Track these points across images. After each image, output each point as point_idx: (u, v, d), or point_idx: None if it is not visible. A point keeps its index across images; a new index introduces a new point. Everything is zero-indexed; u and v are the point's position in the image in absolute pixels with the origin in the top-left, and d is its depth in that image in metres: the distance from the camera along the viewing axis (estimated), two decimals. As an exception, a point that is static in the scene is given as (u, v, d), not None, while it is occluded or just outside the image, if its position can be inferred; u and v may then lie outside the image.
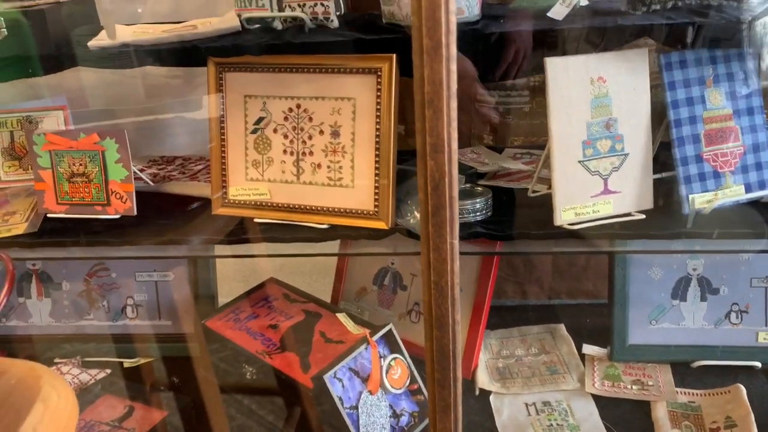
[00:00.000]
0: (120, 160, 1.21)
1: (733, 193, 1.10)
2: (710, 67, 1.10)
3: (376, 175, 1.09)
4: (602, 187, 1.09)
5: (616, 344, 1.40)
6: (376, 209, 1.10)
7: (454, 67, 0.60)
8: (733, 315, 1.37)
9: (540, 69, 1.27)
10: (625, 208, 1.10)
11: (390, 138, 1.07)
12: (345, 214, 1.12)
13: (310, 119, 1.12)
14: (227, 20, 1.18)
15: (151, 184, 1.35)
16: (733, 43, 1.11)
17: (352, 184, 1.11)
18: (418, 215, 1.11)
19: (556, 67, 1.03)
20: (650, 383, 1.35)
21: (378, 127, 1.07)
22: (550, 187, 1.21)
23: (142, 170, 1.42)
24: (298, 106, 1.12)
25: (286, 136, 1.14)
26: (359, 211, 1.11)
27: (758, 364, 1.35)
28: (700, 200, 1.08)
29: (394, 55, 1.05)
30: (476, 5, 1.09)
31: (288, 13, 1.16)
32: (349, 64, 1.07)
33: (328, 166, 1.12)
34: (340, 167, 1.11)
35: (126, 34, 1.20)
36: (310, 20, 1.15)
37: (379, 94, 1.06)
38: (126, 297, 1.57)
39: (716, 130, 1.10)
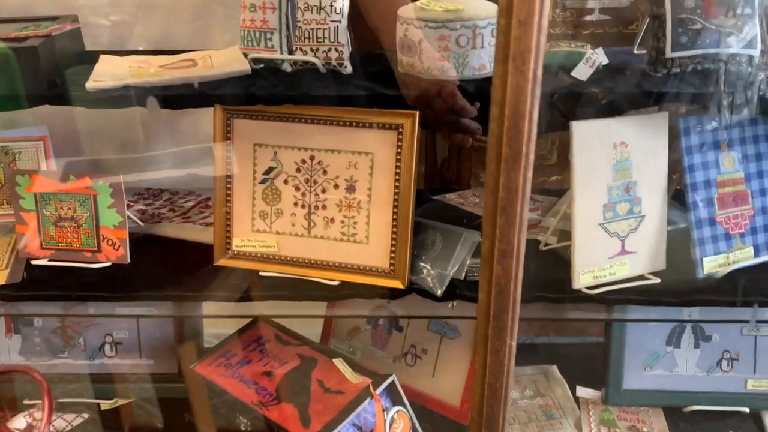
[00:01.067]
0: (113, 205, 1.13)
1: (744, 255, 1.11)
2: (725, 132, 1.11)
3: (394, 232, 1.05)
4: (619, 248, 1.08)
5: (612, 388, 1.41)
6: (392, 267, 1.06)
7: (530, 174, 0.57)
8: (724, 362, 1.40)
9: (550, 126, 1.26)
10: (640, 269, 1.10)
11: (410, 196, 1.03)
12: (358, 271, 1.08)
13: (325, 172, 1.07)
14: (233, 60, 1.12)
15: (141, 224, 1.27)
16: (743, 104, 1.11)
17: (367, 241, 1.07)
18: (433, 272, 1.08)
19: (582, 130, 1.02)
20: (645, 429, 1.37)
21: (397, 184, 1.03)
22: (560, 240, 1.21)
23: (128, 206, 1.33)
24: (312, 158, 1.07)
25: (297, 188, 1.09)
26: (374, 269, 1.07)
27: (747, 410, 1.39)
28: (713, 264, 1.09)
29: (417, 113, 1.01)
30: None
31: (300, 56, 1.11)
32: (369, 119, 1.03)
33: (342, 221, 1.08)
34: (355, 223, 1.07)
35: (121, 68, 1.12)
36: (323, 65, 1.11)
37: (399, 150, 1.02)
38: (105, 334, 1.48)
39: (729, 193, 1.11)
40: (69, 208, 1.13)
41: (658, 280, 1.10)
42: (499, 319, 0.63)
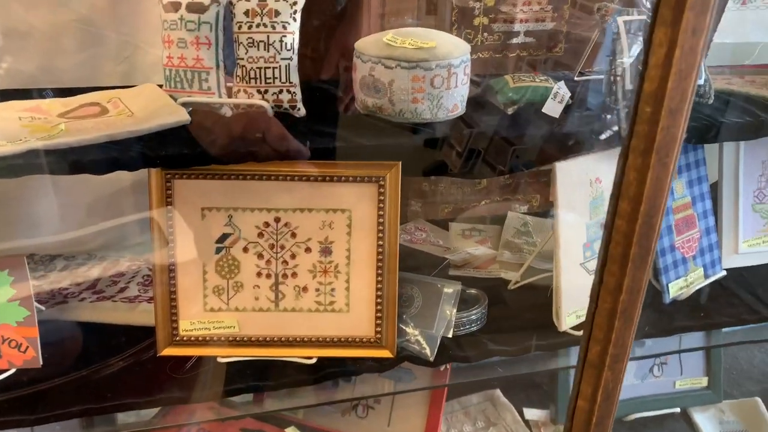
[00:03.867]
0: (16, 297, 0.88)
1: (697, 276, 1.16)
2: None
3: (378, 296, 0.94)
4: (596, 285, 1.07)
5: (561, 408, 1.42)
6: (377, 335, 0.95)
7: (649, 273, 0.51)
8: (656, 368, 1.48)
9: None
10: (611, 302, 1.10)
11: (396, 254, 0.92)
12: (339, 344, 0.95)
13: (293, 235, 0.92)
14: (161, 105, 0.92)
15: (43, 309, 1.01)
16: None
17: (347, 308, 0.95)
18: (419, 334, 0.98)
19: (564, 171, 0.98)
20: (597, 445, 1.40)
21: (381, 242, 0.92)
22: (523, 275, 1.18)
23: (14, 284, 1.06)
24: (277, 220, 0.92)
25: (260, 256, 0.93)
26: (357, 339, 0.95)
27: (678, 409, 1.48)
28: (675, 288, 1.12)
29: (399, 163, 0.90)
30: (465, 100, 1.00)
31: (245, 100, 0.94)
32: (345, 172, 0.90)
33: (317, 289, 0.94)
34: (332, 289, 0.94)
35: (10, 122, 0.87)
36: (272, 107, 0.95)
37: (381, 205, 0.91)
38: None
39: (682, 219, 1.14)
40: (-49, 309, 0.86)
41: (632, 312, 1.10)
42: (602, 425, 0.56)
